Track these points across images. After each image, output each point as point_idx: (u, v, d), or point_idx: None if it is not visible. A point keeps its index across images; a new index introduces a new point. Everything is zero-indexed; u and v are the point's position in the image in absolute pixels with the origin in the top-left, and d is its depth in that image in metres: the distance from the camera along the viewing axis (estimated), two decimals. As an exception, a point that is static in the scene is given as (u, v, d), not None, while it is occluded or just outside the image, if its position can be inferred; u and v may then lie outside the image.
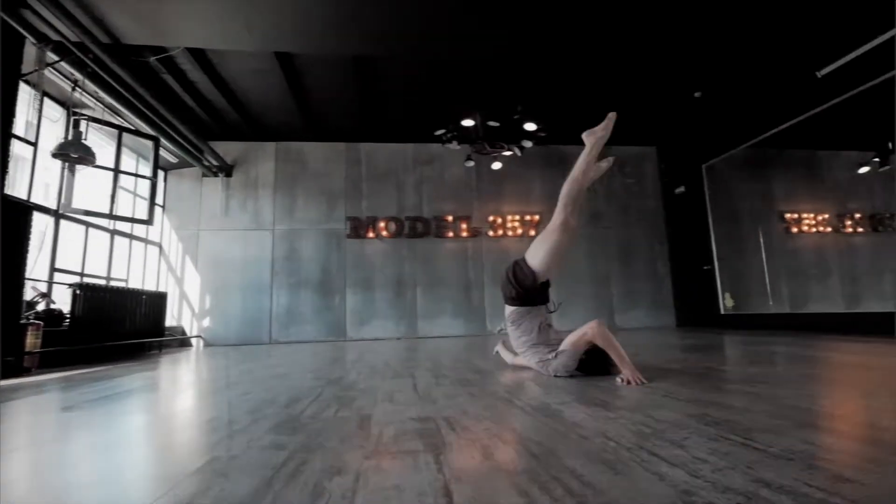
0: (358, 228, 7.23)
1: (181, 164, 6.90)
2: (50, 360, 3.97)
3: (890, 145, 5.34)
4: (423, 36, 4.43)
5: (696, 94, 6.23)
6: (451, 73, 5.38)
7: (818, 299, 6.67)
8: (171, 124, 5.62)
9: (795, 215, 6.94)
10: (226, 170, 7.13)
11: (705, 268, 6.94)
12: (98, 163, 5.47)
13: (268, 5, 3.71)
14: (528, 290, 2.31)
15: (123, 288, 5.19)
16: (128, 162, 6.20)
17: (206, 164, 6.88)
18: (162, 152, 6.40)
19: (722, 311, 6.65)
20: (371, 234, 7.26)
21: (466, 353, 3.90)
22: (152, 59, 4.44)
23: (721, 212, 6.92)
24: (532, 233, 7.52)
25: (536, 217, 7.56)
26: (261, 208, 7.19)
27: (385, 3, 3.88)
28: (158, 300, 5.80)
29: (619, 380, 1.98)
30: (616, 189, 7.78)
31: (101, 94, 4.62)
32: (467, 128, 5.73)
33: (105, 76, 4.35)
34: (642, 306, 7.49)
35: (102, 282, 5.56)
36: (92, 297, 4.64)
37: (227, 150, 7.16)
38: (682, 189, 7.39)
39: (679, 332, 6.01)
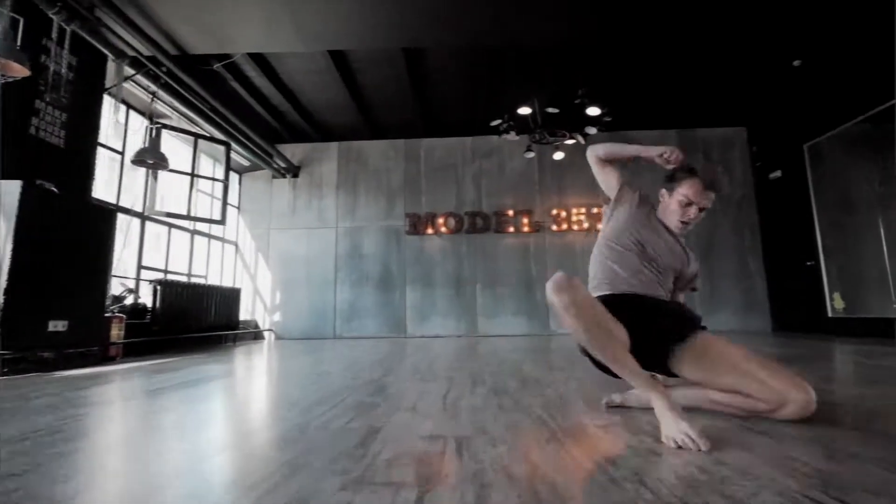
0: (417, 225, 7.20)
1: (253, 167, 7.31)
2: (133, 350, 4.35)
3: None
4: (474, 22, 4.22)
5: (795, 63, 5.40)
6: (505, 59, 5.12)
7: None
8: (241, 130, 5.93)
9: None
10: (293, 171, 7.44)
11: (808, 263, 6.01)
12: (179, 168, 5.95)
13: (312, 6, 3.72)
14: None
15: (199, 284, 5.58)
16: (205, 166, 6.68)
17: (276, 166, 7.23)
18: (235, 156, 6.82)
19: (830, 314, 5.71)
20: (430, 231, 7.19)
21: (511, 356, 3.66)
22: (216, 65, 4.69)
23: (829, 198, 5.94)
24: (599, 226, 7.01)
25: (604, 209, 7.02)
26: (325, 207, 7.41)
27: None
28: (232, 295, 6.18)
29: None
30: (697, 176, 7.01)
31: (176, 104, 4.97)
32: (524, 117, 5.42)
33: (176, 86, 4.67)
34: (729, 308, 6.68)
35: (183, 278, 6.03)
36: (171, 293, 5.03)
37: (294, 152, 7.47)
38: (777, 174, 6.46)
39: (772, 339, 5.26)
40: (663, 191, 1.74)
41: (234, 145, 6.21)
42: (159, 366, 3.42)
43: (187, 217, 5.64)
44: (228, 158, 6.16)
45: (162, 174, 5.48)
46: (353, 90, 5.85)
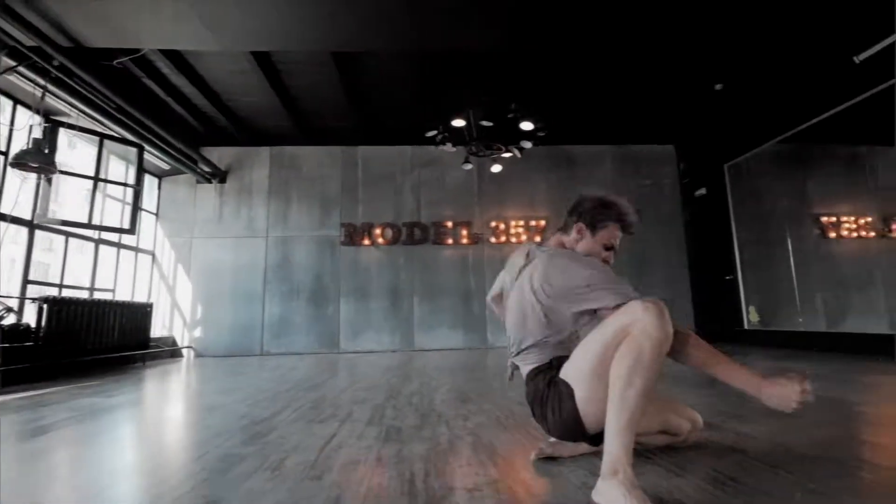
0: (353, 235, 6.94)
1: (175, 171, 6.77)
2: (11, 379, 3.80)
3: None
4: (407, 27, 4.05)
5: (717, 87, 5.64)
6: (439, 69, 5.01)
7: (858, 314, 5.93)
8: (154, 131, 5.45)
9: (833, 218, 6.20)
10: (220, 176, 6.96)
11: (727, 277, 6.30)
12: (85, 171, 5.38)
13: (224, 4, 3.43)
14: None
15: (100, 300, 5.04)
16: (116, 169, 6.11)
17: (200, 170, 6.73)
18: (153, 159, 6.28)
19: (746, 326, 6.01)
20: (367, 242, 6.94)
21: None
22: (116, 61, 4.24)
23: (746, 215, 6.27)
24: (538, 239, 7.04)
25: (542, 222, 7.07)
26: (255, 215, 6.98)
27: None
28: (142, 311, 5.64)
29: None
30: (629, 191, 7.21)
31: (74, 101, 4.46)
32: (459, 129, 5.33)
33: (71, 82, 4.18)
34: (658, 319, 6.87)
35: (85, 293, 5.44)
36: (62, 311, 4.48)
37: (221, 155, 7.00)
38: (702, 191, 6.76)
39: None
40: (581, 226, 1.58)
41: (148, 148, 5.70)
42: (26, 400, 2.98)
43: (88, 225, 5.09)
44: (141, 161, 5.65)
45: (66, 177, 4.92)
46: (281, 93, 5.53)
